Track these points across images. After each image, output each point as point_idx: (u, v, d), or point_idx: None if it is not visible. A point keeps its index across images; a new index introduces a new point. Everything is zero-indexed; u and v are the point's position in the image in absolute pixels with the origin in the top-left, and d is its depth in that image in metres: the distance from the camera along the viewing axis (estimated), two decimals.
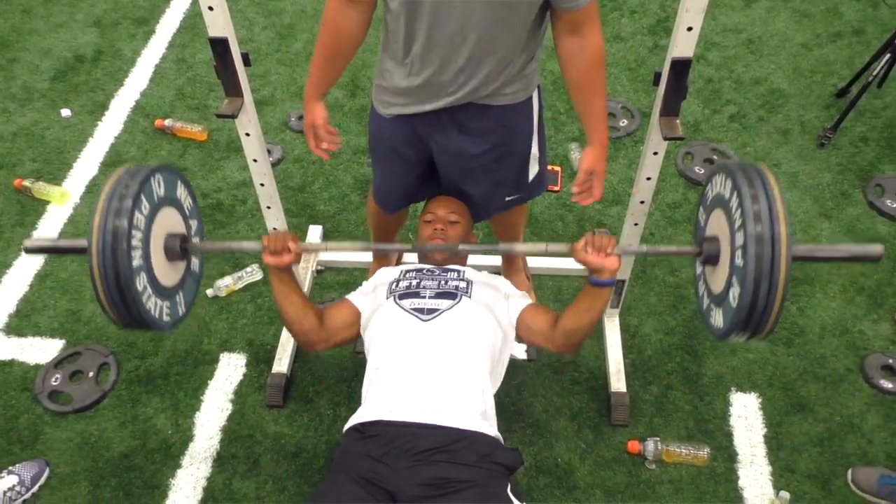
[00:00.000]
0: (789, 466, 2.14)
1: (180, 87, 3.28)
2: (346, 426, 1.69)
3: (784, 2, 3.58)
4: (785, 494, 2.07)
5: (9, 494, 2.04)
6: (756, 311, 1.35)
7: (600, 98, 1.72)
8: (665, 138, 1.72)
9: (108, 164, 2.98)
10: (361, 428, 1.64)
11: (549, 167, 2.88)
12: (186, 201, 1.72)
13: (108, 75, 3.34)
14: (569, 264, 2.53)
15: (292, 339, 2.37)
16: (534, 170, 1.97)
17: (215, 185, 2.89)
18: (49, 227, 2.76)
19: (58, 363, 2.37)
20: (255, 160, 1.98)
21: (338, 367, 2.37)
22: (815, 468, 2.13)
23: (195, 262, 1.77)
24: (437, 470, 1.53)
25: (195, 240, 1.74)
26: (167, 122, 3.06)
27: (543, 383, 2.32)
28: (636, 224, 2.04)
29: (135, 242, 1.45)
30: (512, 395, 2.27)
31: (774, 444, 2.19)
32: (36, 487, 2.10)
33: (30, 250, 1.58)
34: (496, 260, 2.43)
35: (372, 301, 1.88)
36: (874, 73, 2.81)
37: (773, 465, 2.14)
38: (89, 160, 3.00)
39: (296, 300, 1.79)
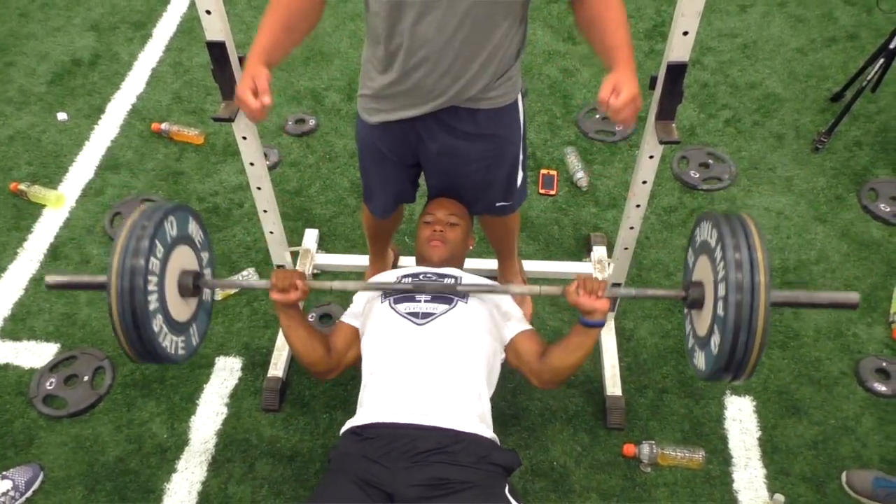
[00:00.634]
0: (784, 469, 2.14)
1: (177, 90, 3.28)
2: (343, 429, 1.69)
3: (779, 7, 3.60)
4: (780, 497, 2.07)
5: (3, 500, 2.03)
6: (735, 359, 1.41)
7: (623, 29, 1.57)
8: (661, 142, 1.73)
9: (105, 167, 2.98)
10: (359, 430, 1.64)
11: (546, 171, 2.89)
12: (197, 235, 1.77)
13: (105, 79, 3.34)
14: (565, 268, 2.54)
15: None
16: (520, 176, 1.98)
17: (212, 188, 2.89)
18: (44, 231, 2.76)
19: (53, 367, 2.36)
20: (251, 164, 1.99)
21: None
22: (810, 471, 2.14)
23: (207, 292, 1.82)
24: (435, 471, 1.53)
25: (207, 271, 1.80)
26: (164, 126, 3.06)
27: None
28: (632, 228, 2.04)
29: (151, 287, 1.51)
30: (507, 399, 2.28)
31: (769, 447, 2.19)
32: (30, 492, 2.09)
33: (51, 287, 1.66)
34: (492, 263, 2.43)
35: (366, 311, 1.89)
36: (868, 77, 2.82)
37: (767, 468, 2.15)
38: (85, 164, 3.00)
39: (302, 334, 1.81)
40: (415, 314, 1.76)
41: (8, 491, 2.04)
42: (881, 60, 2.78)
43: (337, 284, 1.87)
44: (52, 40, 3.51)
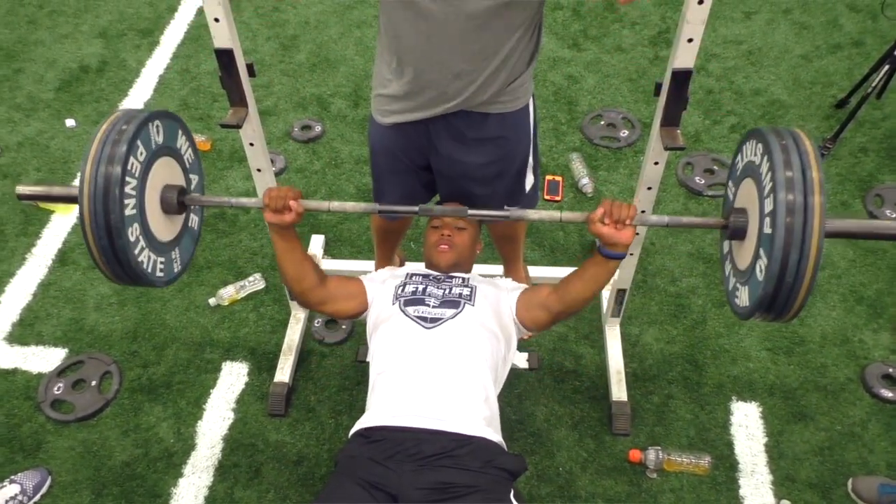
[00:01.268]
0: (790, 475, 2.14)
1: (184, 97, 3.30)
2: (352, 431, 1.70)
3: (784, 14, 3.60)
4: (786, 503, 2.07)
5: (11, 503, 2.04)
6: (784, 285, 1.25)
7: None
8: (666, 148, 1.73)
9: None
10: (366, 433, 1.65)
11: (551, 177, 2.90)
12: (187, 153, 1.64)
13: (113, 86, 3.36)
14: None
15: (294, 348, 2.38)
16: (529, 180, 1.98)
17: (218, 194, 2.91)
18: (53, 237, 2.77)
19: (60, 372, 2.37)
20: (258, 169, 2.00)
21: (340, 376, 2.37)
22: (816, 477, 2.13)
23: (194, 218, 1.70)
24: (441, 475, 1.53)
25: (194, 194, 1.66)
26: None
27: (545, 392, 2.32)
28: (637, 234, 2.04)
29: (128, 190, 1.38)
30: (513, 404, 2.28)
31: (775, 452, 2.19)
32: (38, 496, 2.10)
33: (22, 197, 1.52)
34: (498, 269, 2.44)
35: (381, 292, 1.87)
36: (873, 84, 2.82)
37: (773, 474, 2.14)
38: None
39: (296, 257, 1.76)
40: (423, 318, 1.76)
41: (16, 495, 2.05)
42: (886, 67, 2.78)
43: (335, 205, 1.71)
44: (60, 47, 3.54)
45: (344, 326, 2.49)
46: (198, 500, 2.11)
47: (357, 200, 2.87)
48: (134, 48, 3.54)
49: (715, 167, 2.93)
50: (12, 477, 2.10)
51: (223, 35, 1.66)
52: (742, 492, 2.11)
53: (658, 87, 1.70)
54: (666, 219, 1.58)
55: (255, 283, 2.60)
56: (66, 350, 2.45)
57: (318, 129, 3.13)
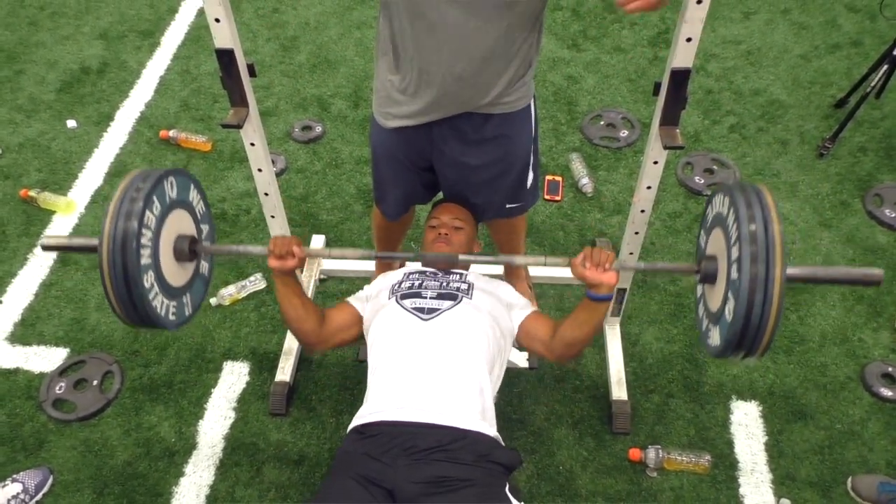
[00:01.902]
0: (790, 474, 2.15)
1: (185, 98, 3.31)
2: (349, 427, 1.71)
3: (783, 14, 3.61)
4: (786, 502, 2.07)
5: (13, 502, 2.05)
6: (751, 324, 1.35)
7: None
8: (665, 147, 1.74)
9: (114, 174, 3.01)
10: (361, 429, 1.66)
11: (551, 177, 2.90)
12: (199, 205, 1.75)
13: (114, 87, 3.37)
14: (570, 273, 2.54)
15: (295, 348, 2.38)
16: (530, 178, 1.99)
17: (219, 195, 2.91)
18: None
19: (62, 371, 2.38)
20: (259, 170, 2.00)
21: (340, 376, 2.38)
22: (816, 476, 2.14)
23: (204, 264, 1.79)
24: (436, 469, 1.54)
25: (205, 243, 1.76)
26: (172, 133, 3.09)
27: (545, 391, 2.33)
28: (636, 233, 2.05)
29: (144, 241, 1.49)
30: (514, 404, 2.28)
31: (775, 451, 2.19)
32: (40, 495, 2.10)
33: (46, 248, 1.62)
34: (498, 269, 2.45)
35: (373, 305, 1.89)
36: (872, 83, 2.83)
37: (773, 473, 2.15)
38: (95, 171, 3.03)
39: (297, 303, 1.80)
40: (420, 309, 1.77)
41: (18, 494, 2.06)
42: (885, 67, 2.79)
43: (336, 251, 1.82)
44: (61, 48, 3.55)
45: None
46: (199, 499, 2.12)
47: (357, 200, 2.88)
48: (135, 49, 3.55)
49: (714, 167, 2.94)
50: (14, 476, 2.10)
51: (224, 35, 1.67)
52: (742, 490, 2.12)
53: (657, 86, 1.71)
54: (642, 264, 1.70)
55: (256, 282, 2.61)
56: (67, 350, 2.46)
57: (318, 129, 3.14)
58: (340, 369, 2.40)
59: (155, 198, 1.53)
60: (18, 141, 3.14)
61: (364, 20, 3.66)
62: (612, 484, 2.13)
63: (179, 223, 1.65)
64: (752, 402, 2.30)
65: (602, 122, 3.13)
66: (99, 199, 2.92)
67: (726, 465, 2.17)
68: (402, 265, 2.51)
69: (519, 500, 1.56)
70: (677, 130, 1.73)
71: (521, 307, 1.89)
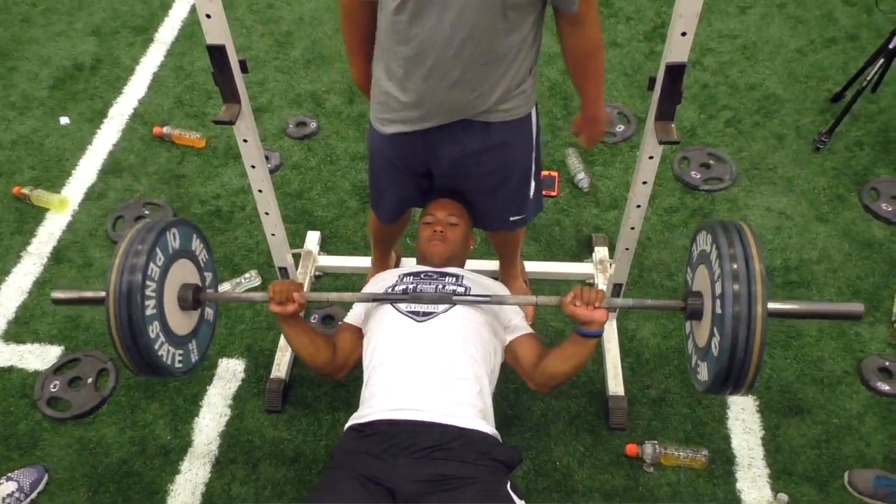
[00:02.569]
0: (787, 469, 2.14)
1: (178, 94, 3.29)
2: (346, 426, 1.70)
3: (779, 8, 3.60)
4: (783, 497, 2.07)
5: (8, 501, 2.04)
6: (737, 358, 1.38)
7: (595, 83, 1.82)
8: (660, 142, 1.73)
9: (107, 171, 2.99)
10: (360, 427, 1.65)
11: (547, 173, 2.89)
12: (202, 254, 1.80)
13: (107, 83, 3.35)
14: (567, 269, 2.55)
15: None
16: (532, 188, 1.98)
17: (214, 191, 2.90)
18: (48, 235, 2.77)
19: (57, 369, 2.37)
20: (253, 166, 1.99)
21: None
22: (813, 470, 2.14)
23: (209, 311, 1.83)
24: (437, 467, 1.54)
25: (209, 291, 1.80)
26: (165, 130, 3.08)
27: None
28: (633, 228, 2.05)
29: (148, 293, 1.54)
30: (510, 399, 2.28)
31: (772, 446, 2.19)
32: (35, 494, 2.10)
33: (57, 302, 1.68)
34: (494, 265, 2.44)
35: (368, 309, 1.90)
36: (868, 77, 2.82)
37: (770, 468, 2.15)
38: (88, 168, 3.01)
39: (306, 341, 1.82)
40: (415, 312, 1.77)
41: (13, 492, 2.05)
42: (881, 60, 2.78)
43: (334, 296, 1.88)
44: (54, 45, 3.53)
45: (340, 323, 2.48)
46: (195, 496, 2.11)
47: (352, 196, 2.87)
48: (128, 46, 3.53)
49: (711, 161, 2.93)
50: (9, 474, 2.10)
51: (215, 31, 1.66)
52: (739, 485, 2.12)
53: (652, 81, 1.70)
54: (630, 301, 1.73)
55: (251, 279, 2.60)
56: (62, 348, 2.44)
57: (313, 125, 3.12)
58: None
59: (158, 250, 1.58)
60: (11, 138, 3.12)
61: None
62: (609, 479, 2.13)
63: (183, 272, 1.70)
64: (749, 397, 2.30)
65: None
66: (92, 196, 2.90)
67: (723, 460, 2.17)
68: (397, 264, 2.51)
69: (520, 498, 1.56)
70: (673, 125, 1.73)
71: (517, 323, 1.89)
